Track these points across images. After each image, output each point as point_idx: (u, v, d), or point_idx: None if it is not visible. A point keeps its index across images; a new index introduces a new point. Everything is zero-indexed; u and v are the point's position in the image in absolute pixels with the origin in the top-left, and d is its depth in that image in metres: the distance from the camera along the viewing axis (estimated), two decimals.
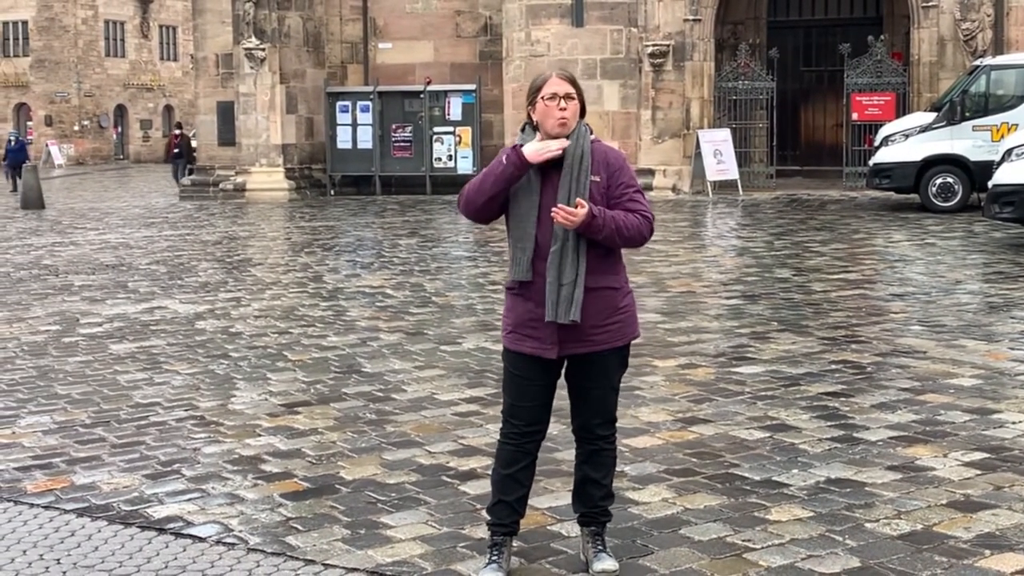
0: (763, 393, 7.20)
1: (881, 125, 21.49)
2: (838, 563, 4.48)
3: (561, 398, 4.48)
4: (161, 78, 62.18)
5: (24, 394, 7.63)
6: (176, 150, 33.64)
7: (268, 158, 26.75)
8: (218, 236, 18.50)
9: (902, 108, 23.06)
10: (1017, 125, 18.10)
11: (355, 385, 7.68)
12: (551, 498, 5.24)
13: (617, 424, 4.55)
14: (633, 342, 4.50)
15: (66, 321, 10.48)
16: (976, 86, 19.29)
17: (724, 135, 23.92)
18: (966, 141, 19.01)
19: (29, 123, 57.12)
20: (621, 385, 4.57)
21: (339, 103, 27.11)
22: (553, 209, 4.15)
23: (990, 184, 15.05)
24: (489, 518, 4.47)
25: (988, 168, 15.59)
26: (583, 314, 4.23)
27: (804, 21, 29.09)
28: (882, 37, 24.31)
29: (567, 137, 4.26)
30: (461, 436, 6.38)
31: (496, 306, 10.44)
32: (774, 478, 5.51)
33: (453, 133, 26.53)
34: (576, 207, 4.15)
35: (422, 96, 26.55)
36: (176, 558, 4.71)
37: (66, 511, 5.30)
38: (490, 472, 4.58)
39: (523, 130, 4.36)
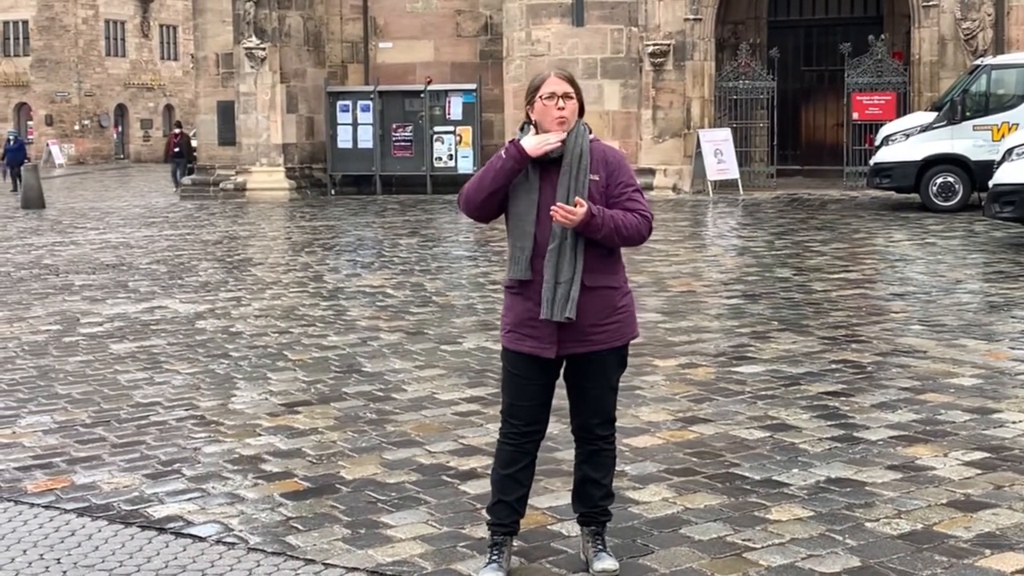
0: (763, 393, 7.20)
1: (882, 125, 21.49)
2: (838, 563, 4.48)
3: (560, 397, 4.48)
4: (161, 78, 62.20)
5: (24, 394, 7.64)
6: (176, 149, 33.63)
7: (268, 158, 26.76)
8: (218, 236, 18.50)
9: (903, 108, 23.07)
10: (1018, 124, 18.10)
11: (355, 385, 7.68)
12: (551, 498, 5.24)
13: (617, 424, 4.55)
14: (633, 342, 4.50)
15: (66, 321, 10.48)
16: (977, 86, 19.29)
17: (725, 135, 23.92)
18: (967, 141, 19.01)
19: (30, 122, 57.14)
20: (621, 385, 4.57)
21: (339, 102, 27.11)
22: (552, 208, 4.16)
23: (990, 184, 15.05)
24: (489, 518, 4.47)
25: (989, 168, 15.59)
26: (582, 313, 4.23)
27: (804, 20, 29.09)
28: (883, 36, 24.31)
29: (566, 137, 4.26)
30: (461, 436, 6.38)
31: (496, 305, 10.44)
32: (774, 478, 5.51)
33: (454, 132, 26.54)
34: (575, 206, 4.15)
35: (423, 96, 26.56)
36: (176, 558, 4.72)
37: (66, 511, 5.30)
38: (490, 472, 4.58)
39: (522, 129, 4.36)
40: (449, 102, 26.58)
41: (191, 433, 6.58)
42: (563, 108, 4.25)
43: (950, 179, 19.21)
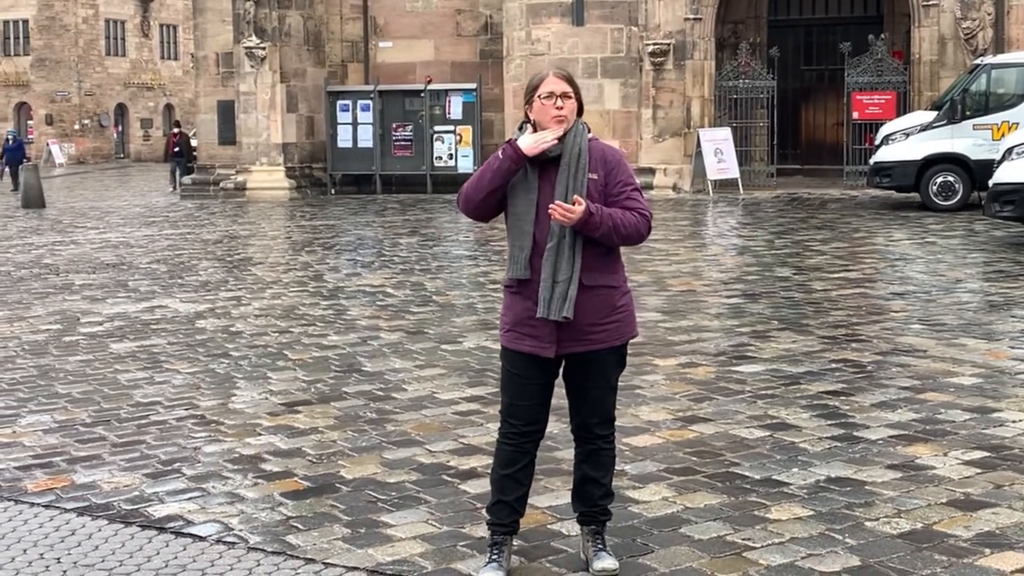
0: (763, 392, 7.20)
1: (882, 124, 21.50)
2: (838, 562, 4.48)
3: (560, 397, 4.48)
4: (161, 77, 62.18)
5: (25, 393, 7.64)
6: (176, 149, 33.62)
7: (268, 157, 26.76)
8: (218, 235, 18.50)
9: (903, 107, 23.07)
10: (1018, 124, 18.11)
11: (355, 384, 7.68)
12: (551, 497, 5.24)
13: (617, 423, 4.55)
14: (633, 341, 4.50)
15: (66, 320, 10.49)
16: (977, 85, 19.29)
17: (725, 134, 23.92)
18: (967, 140, 19.01)
19: (30, 122, 57.12)
20: (620, 384, 4.57)
21: (339, 102, 27.11)
22: (550, 206, 4.16)
23: (991, 183, 15.05)
24: (489, 517, 4.47)
25: (988, 167, 15.59)
26: (580, 313, 4.23)
27: (805, 20, 29.10)
28: (883, 36, 24.32)
29: (564, 136, 4.26)
30: (461, 435, 6.38)
31: (496, 305, 10.43)
32: (774, 477, 5.52)
33: (454, 132, 26.53)
34: (573, 204, 4.15)
35: (423, 95, 26.56)
36: (176, 557, 4.72)
37: (66, 510, 5.30)
38: (490, 471, 4.58)
39: (521, 128, 4.36)
40: (449, 101, 26.58)
41: (191, 432, 6.58)
42: (561, 107, 4.26)
43: (950, 178, 19.21)
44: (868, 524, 4.87)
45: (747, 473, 5.58)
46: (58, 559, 4.73)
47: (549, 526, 4.93)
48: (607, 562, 4.39)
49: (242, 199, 26.32)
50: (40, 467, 5.98)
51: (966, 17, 22.52)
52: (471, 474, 5.65)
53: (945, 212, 18.75)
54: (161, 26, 62.74)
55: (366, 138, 26.96)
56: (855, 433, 6.23)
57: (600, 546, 4.45)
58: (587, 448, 4.47)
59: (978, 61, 20.05)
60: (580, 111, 4.34)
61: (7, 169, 34.41)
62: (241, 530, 4.98)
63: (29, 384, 7.90)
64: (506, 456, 4.40)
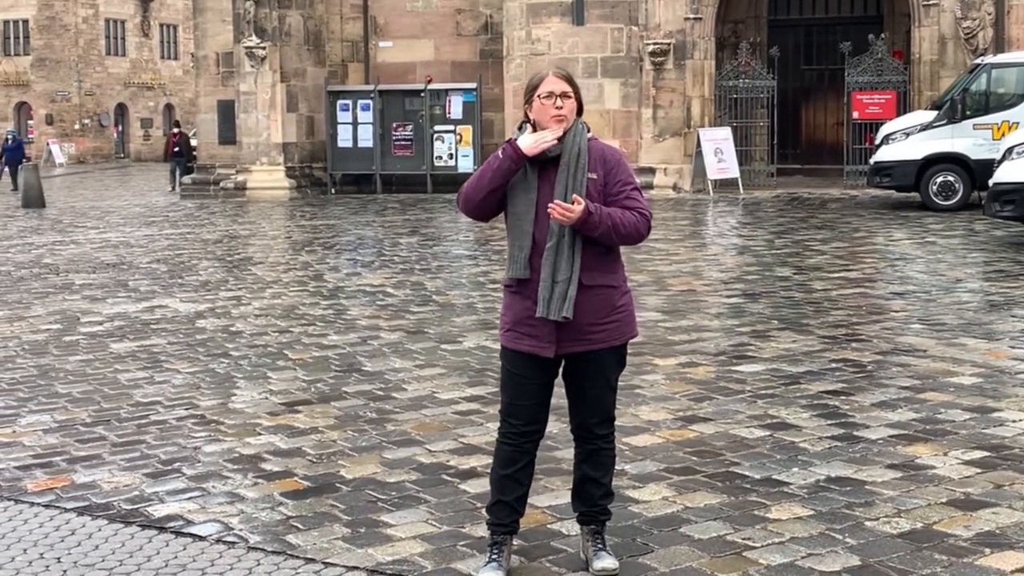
0: (763, 391, 7.20)
1: (882, 123, 21.49)
2: (838, 561, 4.48)
3: (560, 396, 4.48)
4: (162, 77, 62.18)
5: (25, 393, 7.64)
6: (176, 148, 33.63)
7: (269, 157, 26.76)
8: (219, 235, 18.50)
9: (903, 106, 23.07)
10: (1018, 123, 18.11)
11: (355, 384, 7.68)
12: (551, 497, 5.24)
13: (617, 423, 4.55)
14: (633, 341, 4.50)
15: (67, 320, 10.49)
16: (977, 84, 19.29)
17: (725, 134, 23.92)
18: (967, 139, 19.01)
19: (30, 122, 57.12)
20: (620, 384, 4.57)
21: (340, 102, 27.11)
22: (550, 205, 4.16)
23: (991, 182, 15.05)
24: (489, 517, 4.47)
25: (989, 166, 15.59)
26: (580, 312, 4.23)
27: (805, 19, 29.10)
28: (883, 35, 24.32)
29: (564, 135, 4.26)
30: (461, 435, 6.38)
31: (496, 305, 10.43)
32: (774, 476, 5.51)
33: (454, 132, 26.53)
34: (572, 203, 4.15)
35: (423, 95, 26.56)
36: (176, 557, 4.72)
37: (66, 510, 5.30)
38: (490, 471, 4.58)
39: (520, 128, 4.36)
40: (449, 101, 26.58)
41: (191, 432, 6.58)
42: (561, 107, 4.26)
43: (950, 178, 19.21)
44: (868, 524, 4.86)
45: (747, 473, 5.58)
46: (58, 559, 4.73)
47: (549, 526, 4.93)
48: (607, 562, 4.39)
49: (242, 199, 26.32)
50: (40, 467, 5.98)
51: (966, 17, 22.52)
52: (471, 474, 5.65)
53: (945, 212, 18.75)
54: (161, 26, 62.75)
55: (366, 138, 26.96)
56: (855, 433, 6.23)
57: (600, 546, 4.45)
58: (587, 448, 4.47)
59: (978, 61, 20.05)
60: (580, 111, 4.34)
61: (7, 169, 34.39)
62: (241, 530, 4.98)
63: (29, 384, 7.90)
64: (506, 456, 4.40)
